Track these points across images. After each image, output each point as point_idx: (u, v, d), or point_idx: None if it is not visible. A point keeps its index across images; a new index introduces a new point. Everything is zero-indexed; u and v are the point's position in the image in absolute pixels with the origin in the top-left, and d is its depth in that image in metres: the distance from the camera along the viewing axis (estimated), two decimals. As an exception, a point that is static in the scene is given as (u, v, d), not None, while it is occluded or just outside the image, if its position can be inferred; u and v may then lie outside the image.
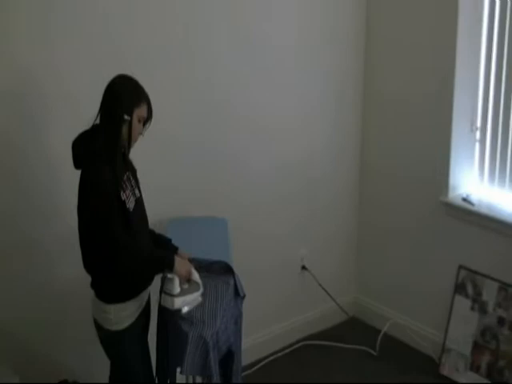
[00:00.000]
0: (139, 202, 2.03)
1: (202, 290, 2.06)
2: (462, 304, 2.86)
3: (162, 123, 2.13)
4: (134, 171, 2.06)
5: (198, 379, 2.22)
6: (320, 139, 3.08)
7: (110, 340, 2.02)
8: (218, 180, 2.75)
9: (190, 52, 2.55)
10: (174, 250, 2.14)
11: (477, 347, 2.80)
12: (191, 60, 2.56)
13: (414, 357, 3.04)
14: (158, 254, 2.05)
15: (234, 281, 2.23)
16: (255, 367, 2.95)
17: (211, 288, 2.15)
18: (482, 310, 2.79)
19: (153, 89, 1.98)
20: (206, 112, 2.64)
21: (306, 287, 3.15)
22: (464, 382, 2.83)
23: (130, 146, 1.95)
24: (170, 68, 2.50)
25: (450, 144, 2.82)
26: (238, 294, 2.24)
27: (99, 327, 2.01)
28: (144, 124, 1.96)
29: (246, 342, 2.58)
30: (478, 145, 2.86)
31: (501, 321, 2.73)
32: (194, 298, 2.05)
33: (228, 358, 2.17)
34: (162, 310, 2.05)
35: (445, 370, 2.91)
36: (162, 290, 2.01)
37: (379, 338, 3.10)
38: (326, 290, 3.17)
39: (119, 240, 1.88)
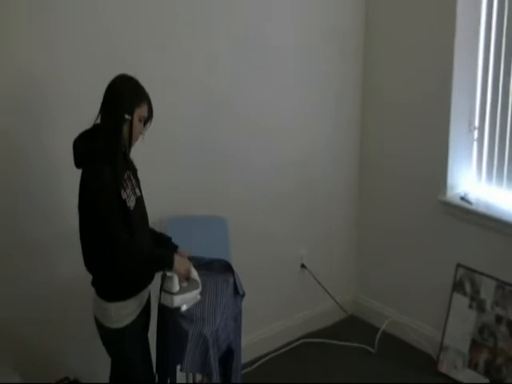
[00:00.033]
0: (140, 201, 2.04)
1: (200, 288, 2.07)
2: (460, 302, 2.88)
3: (162, 123, 2.14)
4: (134, 170, 2.07)
5: (198, 377, 2.24)
6: (320, 139, 3.09)
7: (110, 338, 2.04)
8: (218, 179, 2.76)
9: (189, 52, 2.55)
10: (174, 248, 2.15)
11: (475, 345, 2.82)
12: (191, 60, 2.57)
13: (413, 354, 3.05)
14: (158, 252, 2.06)
15: (234, 279, 2.24)
16: (255, 365, 2.96)
17: (211, 286, 2.17)
18: (480, 307, 2.80)
19: (153, 89, 1.98)
20: (206, 112, 2.65)
21: (305, 286, 3.16)
22: (462, 379, 2.84)
23: (130, 145, 1.96)
24: (170, 68, 2.50)
25: (448, 143, 2.83)
26: (237, 293, 2.25)
27: (100, 325, 2.03)
28: (144, 124, 1.97)
29: (246, 340, 2.58)
30: (475, 144, 2.87)
31: (498, 319, 2.74)
32: (193, 296, 2.06)
33: (228, 356, 2.18)
34: (162, 308, 2.06)
35: (443, 368, 2.92)
36: (161, 289, 2.02)
37: (378, 336, 3.11)
38: (325, 289, 3.18)
39: (120, 239, 1.89)
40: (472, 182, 2.92)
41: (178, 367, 2.08)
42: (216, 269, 2.25)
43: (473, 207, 2.80)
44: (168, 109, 2.42)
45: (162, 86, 2.36)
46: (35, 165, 2.26)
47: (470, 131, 2.87)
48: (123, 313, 1.99)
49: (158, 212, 2.34)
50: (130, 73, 1.96)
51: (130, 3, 2.37)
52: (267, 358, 3.03)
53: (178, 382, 2.20)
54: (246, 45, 2.71)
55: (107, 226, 1.88)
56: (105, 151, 1.89)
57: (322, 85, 3.02)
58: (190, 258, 2.13)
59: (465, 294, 2.87)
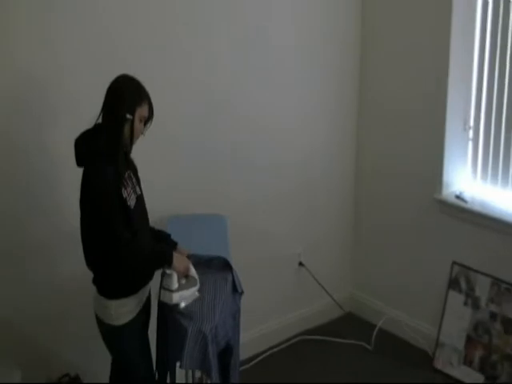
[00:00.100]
0: (140, 199, 2.05)
1: (198, 285, 2.09)
2: (456, 299, 2.90)
3: (162, 122, 2.14)
4: (135, 170, 2.08)
5: (197, 373, 2.26)
6: (319, 139, 3.10)
7: (110, 335, 2.05)
8: (217, 178, 2.77)
9: (189, 52, 2.56)
10: (174, 245, 2.17)
11: (470, 341, 2.85)
12: (191, 60, 2.57)
13: (409, 351, 3.08)
14: (158, 248, 2.08)
15: (233, 277, 2.25)
16: (253, 362, 2.98)
17: (210, 283, 2.18)
18: (475, 305, 2.83)
19: (153, 89, 1.99)
20: (206, 112, 2.65)
21: (302, 283, 3.18)
22: (457, 375, 2.87)
23: (131, 144, 1.97)
24: (170, 68, 2.51)
25: (444, 143, 2.86)
26: (236, 290, 2.26)
27: (100, 322, 2.04)
28: (145, 123, 1.99)
29: (244, 337, 2.59)
30: (470, 143, 2.90)
31: (493, 316, 2.77)
32: (191, 293, 2.08)
33: (226, 353, 2.18)
34: (162, 305, 2.08)
35: (439, 364, 2.95)
36: (161, 286, 2.04)
37: (374, 333, 3.13)
38: (322, 286, 3.20)
39: (120, 238, 1.90)
40: (467, 180, 2.94)
41: (178, 364, 2.10)
42: (215, 266, 2.26)
43: (468, 205, 2.83)
44: (168, 109, 2.42)
45: (162, 86, 2.36)
46: (36, 164, 2.26)
47: (465, 130, 2.89)
48: (123, 310, 2.00)
49: (158, 210, 2.35)
50: (130, 73, 1.96)
51: (130, 3, 2.37)
52: (265, 354, 3.05)
53: (177, 379, 2.22)
54: (245, 45, 2.72)
55: (109, 226, 1.89)
56: (106, 150, 1.91)
57: (321, 85, 3.03)
58: (190, 256, 2.15)
59: (460, 291, 2.89)
